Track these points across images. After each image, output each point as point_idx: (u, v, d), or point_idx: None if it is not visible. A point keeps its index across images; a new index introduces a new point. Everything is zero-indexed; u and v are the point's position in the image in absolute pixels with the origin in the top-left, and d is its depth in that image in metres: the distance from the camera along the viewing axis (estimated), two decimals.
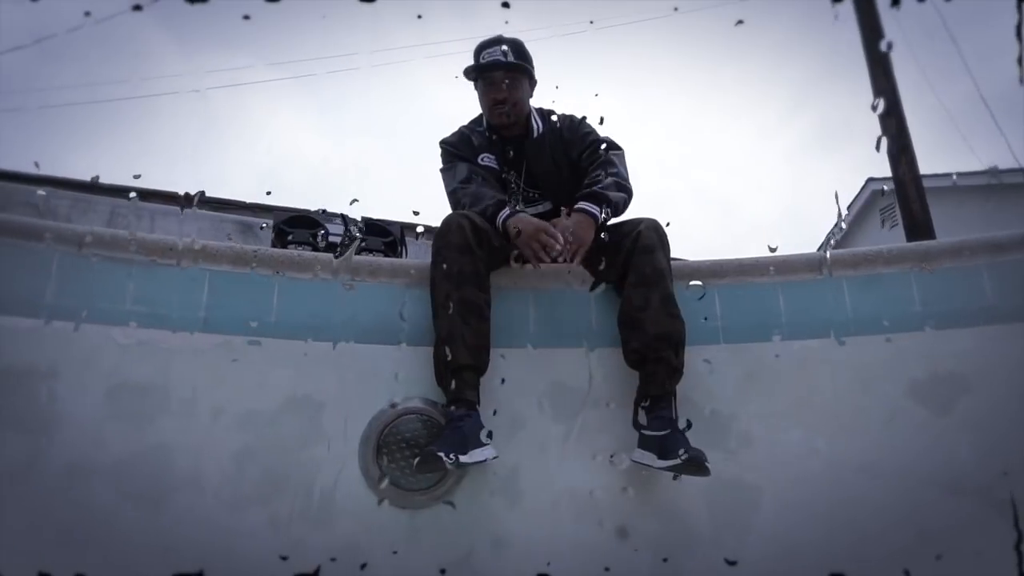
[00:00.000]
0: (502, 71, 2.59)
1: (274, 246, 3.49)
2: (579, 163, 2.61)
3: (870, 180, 13.89)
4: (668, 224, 2.38)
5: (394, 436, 2.14)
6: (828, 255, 2.38)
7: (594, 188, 2.38)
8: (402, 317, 2.30)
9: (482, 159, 2.64)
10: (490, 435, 2.05)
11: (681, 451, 1.96)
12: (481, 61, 2.61)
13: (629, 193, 2.48)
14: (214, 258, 2.19)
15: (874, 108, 5.30)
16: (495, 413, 2.15)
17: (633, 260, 2.25)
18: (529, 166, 2.65)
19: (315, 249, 3.37)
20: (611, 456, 2.17)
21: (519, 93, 2.62)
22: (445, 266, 2.21)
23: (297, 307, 2.23)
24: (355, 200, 2.58)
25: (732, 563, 2.04)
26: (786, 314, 2.33)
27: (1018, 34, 1.23)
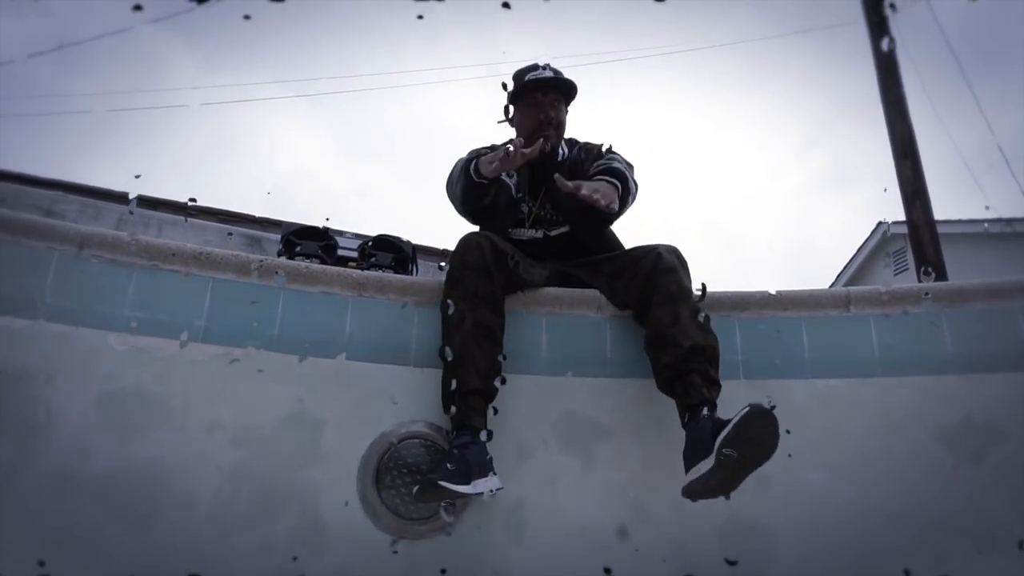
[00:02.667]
0: (553, 92, 2.57)
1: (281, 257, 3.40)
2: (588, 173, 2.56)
3: (880, 224, 13.81)
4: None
5: (395, 461, 2.04)
6: (853, 291, 2.29)
7: (610, 166, 2.43)
8: (411, 336, 2.21)
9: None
10: (490, 460, 1.95)
11: (734, 414, 1.76)
12: (530, 78, 2.56)
13: (634, 186, 2.49)
14: (218, 266, 2.11)
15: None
16: (491, 437, 2.05)
17: (656, 281, 2.16)
18: (550, 190, 2.56)
19: (323, 262, 3.29)
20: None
21: (563, 117, 2.61)
22: (461, 286, 2.13)
23: (302, 321, 2.14)
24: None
25: (732, 563, 1.92)
26: (809, 351, 2.24)
27: None
